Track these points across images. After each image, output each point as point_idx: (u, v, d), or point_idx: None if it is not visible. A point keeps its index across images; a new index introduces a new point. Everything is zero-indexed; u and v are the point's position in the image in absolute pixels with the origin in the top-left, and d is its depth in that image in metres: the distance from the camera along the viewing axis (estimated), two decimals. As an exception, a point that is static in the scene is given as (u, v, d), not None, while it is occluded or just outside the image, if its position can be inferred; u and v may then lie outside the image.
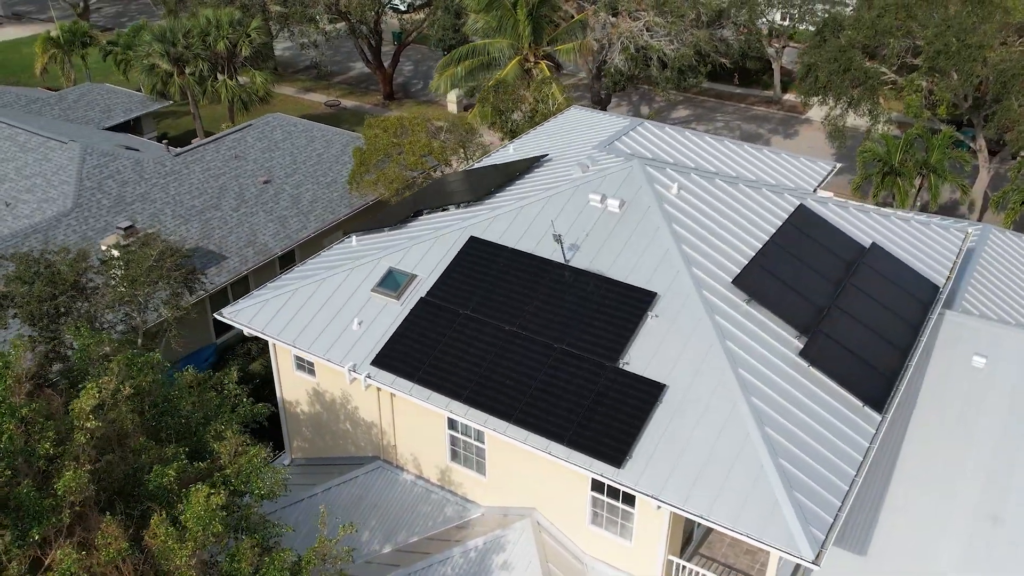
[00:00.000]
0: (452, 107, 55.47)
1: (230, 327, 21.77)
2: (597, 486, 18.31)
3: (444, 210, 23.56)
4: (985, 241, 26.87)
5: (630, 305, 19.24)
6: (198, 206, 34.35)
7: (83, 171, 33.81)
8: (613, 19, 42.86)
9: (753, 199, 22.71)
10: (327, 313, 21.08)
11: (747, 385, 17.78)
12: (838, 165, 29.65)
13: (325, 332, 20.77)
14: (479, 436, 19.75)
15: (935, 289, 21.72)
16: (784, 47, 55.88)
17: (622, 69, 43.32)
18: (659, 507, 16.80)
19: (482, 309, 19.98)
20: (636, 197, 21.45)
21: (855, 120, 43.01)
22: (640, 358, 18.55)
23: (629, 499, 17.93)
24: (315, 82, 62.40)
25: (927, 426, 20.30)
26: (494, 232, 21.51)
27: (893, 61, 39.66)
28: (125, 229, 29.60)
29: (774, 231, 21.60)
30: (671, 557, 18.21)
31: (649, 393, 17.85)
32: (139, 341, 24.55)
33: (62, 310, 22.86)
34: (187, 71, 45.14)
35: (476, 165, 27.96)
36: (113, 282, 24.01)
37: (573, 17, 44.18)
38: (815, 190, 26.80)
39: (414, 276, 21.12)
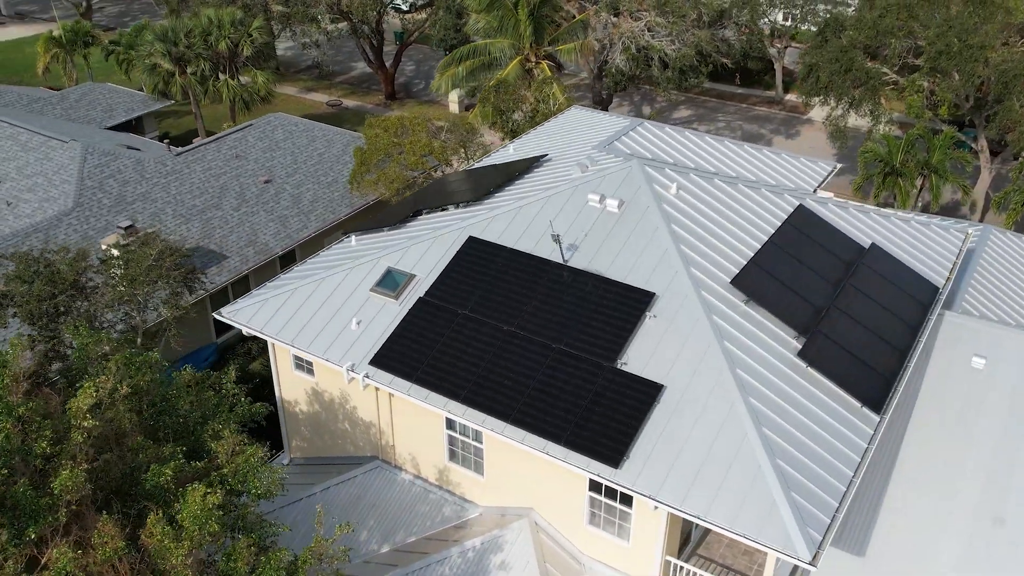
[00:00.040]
0: (454, 107, 55.48)
1: (231, 326, 21.78)
2: (595, 486, 18.31)
3: (443, 210, 23.56)
4: (986, 242, 26.83)
5: (628, 305, 19.23)
6: (199, 205, 34.39)
7: (84, 170, 33.86)
8: (614, 19, 42.83)
9: (752, 199, 22.69)
10: (326, 313, 21.09)
11: (745, 385, 17.76)
12: (838, 165, 29.62)
13: (324, 332, 20.78)
14: (477, 436, 19.75)
15: (935, 290, 21.69)
16: (786, 47, 55.82)
17: (623, 69, 43.30)
18: (656, 507, 16.79)
19: (480, 309, 19.98)
20: (635, 197, 21.44)
21: (856, 120, 42.96)
22: (638, 358, 18.54)
23: (627, 499, 17.92)
24: (317, 82, 62.43)
25: (926, 427, 20.27)
26: (493, 232, 21.51)
27: (895, 61, 39.61)
28: (126, 228, 29.64)
29: (773, 231, 21.58)
30: (669, 557, 18.20)
31: (647, 393, 17.84)
32: (139, 340, 24.57)
33: (61, 309, 22.89)
34: (189, 71, 45.18)
35: (476, 165, 27.96)
36: (113, 281, 24.03)
37: (575, 17, 44.17)
38: (815, 190, 26.77)
39: (413, 276, 21.12)
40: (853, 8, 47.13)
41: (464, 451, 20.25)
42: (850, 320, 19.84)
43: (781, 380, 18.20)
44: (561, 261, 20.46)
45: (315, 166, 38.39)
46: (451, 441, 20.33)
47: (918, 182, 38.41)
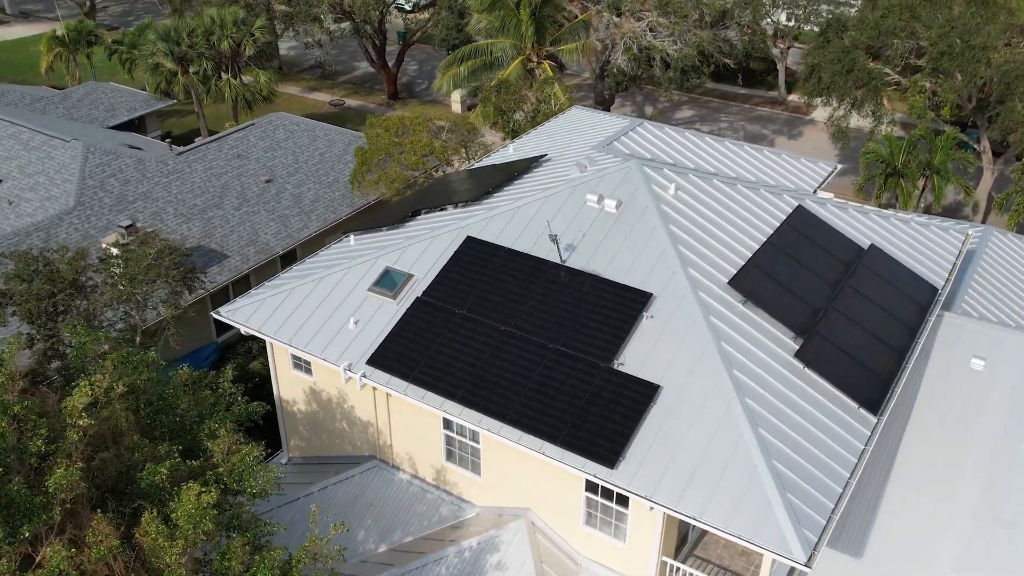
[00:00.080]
0: (456, 107, 55.51)
1: (231, 326, 21.82)
2: (591, 487, 18.29)
3: (442, 210, 23.57)
4: (986, 243, 26.77)
5: (625, 306, 19.21)
6: (200, 205, 34.43)
7: (86, 169, 33.93)
8: (616, 19, 42.81)
9: (751, 200, 22.66)
10: (324, 312, 21.10)
11: (741, 386, 17.73)
12: (839, 166, 29.57)
13: (321, 331, 20.79)
14: (474, 436, 19.75)
15: (934, 291, 21.64)
16: (789, 47, 55.74)
17: (625, 69, 43.27)
18: (652, 508, 16.77)
19: (478, 309, 19.97)
20: (633, 197, 21.42)
21: (859, 121, 42.90)
22: (635, 359, 18.52)
23: (623, 500, 17.91)
24: (320, 81, 62.49)
25: (925, 428, 20.23)
26: (491, 232, 21.50)
27: (897, 62, 39.55)
28: (126, 228, 29.68)
29: (772, 232, 21.54)
30: (665, 558, 18.18)
31: (643, 394, 17.82)
32: (137, 339, 24.60)
33: (60, 308, 22.94)
34: (191, 70, 45.25)
35: (476, 165, 27.97)
36: (112, 280, 24.07)
37: (577, 17, 44.16)
38: (815, 191, 26.72)
39: (411, 276, 21.12)
40: (856, 8, 47.04)
41: (461, 451, 20.25)
42: (848, 321, 19.80)
43: (778, 381, 18.17)
44: (559, 261, 20.45)
45: (316, 166, 38.43)
46: (448, 441, 20.33)
47: (920, 183, 38.34)
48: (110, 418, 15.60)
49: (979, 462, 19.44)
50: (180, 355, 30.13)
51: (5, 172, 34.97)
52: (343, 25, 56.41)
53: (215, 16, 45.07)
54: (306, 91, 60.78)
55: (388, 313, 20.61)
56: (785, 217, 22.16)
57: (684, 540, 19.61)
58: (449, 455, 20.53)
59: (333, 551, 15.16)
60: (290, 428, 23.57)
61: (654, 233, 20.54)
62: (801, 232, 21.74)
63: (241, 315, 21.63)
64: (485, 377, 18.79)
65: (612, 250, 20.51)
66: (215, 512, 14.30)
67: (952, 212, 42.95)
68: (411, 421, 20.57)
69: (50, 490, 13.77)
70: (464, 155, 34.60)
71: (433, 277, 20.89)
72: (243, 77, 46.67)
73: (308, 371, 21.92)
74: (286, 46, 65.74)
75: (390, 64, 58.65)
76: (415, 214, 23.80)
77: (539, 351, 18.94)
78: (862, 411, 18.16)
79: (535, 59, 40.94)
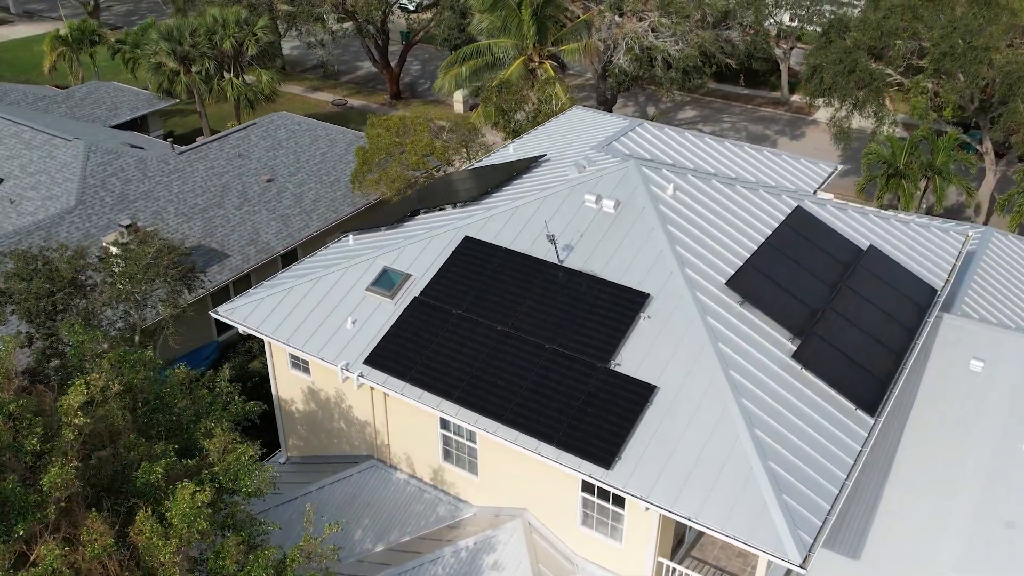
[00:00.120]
0: (459, 107, 55.52)
1: (231, 325, 21.86)
2: (587, 487, 18.28)
3: (441, 210, 23.57)
4: (987, 244, 26.70)
5: (623, 306, 19.19)
6: (201, 204, 34.46)
7: (87, 168, 33.97)
8: (619, 19, 42.78)
9: (750, 200, 22.62)
10: (321, 312, 21.12)
11: (738, 387, 17.71)
12: (839, 167, 29.50)
13: (319, 331, 20.81)
14: (471, 436, 19.74)
15: (933, 292, 21.60)
16: (792, 48, 55.64)
17: (627, 70, 43.24)
18: (648, 509, 16.76)
19: (475, 309, 19.97)
20: (631, 198, 21.40)
21: (861, 122, 42.82)
22: (632, 359, 18.50)
23: (619, 500, 17.89)
24: (323, 81, 62.52)
25: (924, 429, 20.19)
26: (489, 232, 21.50)
27: (899, 63, 39.46)
28: (127, 227, 29.71)
29: (771, 233, 21.50)
30: (661, 559, 18.16)
31: (639, 394, 17.80)
32: (136, 339, 24.63)
33: (59, 307, 22.97)
34: (193, 70, 45.28)
35: (475, 165, 27.96)
36: (110, 279, 24.10)
37: (579, 17, 44.14)
38: (815, 192, 26.66)
39: (408, 275, 21.13)
40: (859, 9, 46.94)
41: (458, 451, 20.25)
42: (846, 322, 19.76)
43: (775, 382, 18.15)
44: (556, 261, 20.43)
45: (318, 165, 38.44)
46: (445, 441, 20.33)
47: (922, 184, 38.24)
48: (106, 417, 15.63)
49: (978, 463, 19.39)
50: (181, 354, 30.17)
51: (7, 171, 35.04)
52: (346, 25, 56.44)
53: (217, 16, 45.09)
54: (309, 91, 60.82)
55: (386, 313, 20.62)
56: (784, 218, 22.12)
57: (681, 541, 19.59)
58: (446, 455, 20.53)
59: (328, 550, 15.17)
60: (288, 427, 23.59)
61: (652, 233, 20.52)
62: (800, 233, 21.71)
63: (239, 314, 21.66)
64: (482, 377, 18.79)
65: (610, 250, 20.49)
66: (209, 511, 14.30)
67: (954, 213, 42.85)
68: (408, 421, 20.57)
69: (45, 489, 13.78)
70: (465, 155, 34.60)
71: (431, 277, 20.89)
72: (245, 77, 46.70)
73: (306, 370, 21.94)
74: (289, 46, 65.80)
75: (393, 64, 58.67)
76: (414, 214, 23.81)
77: (536, 351, 18.93)
78: (859, 412, 18.13)
79: (537, 59, 40.93)
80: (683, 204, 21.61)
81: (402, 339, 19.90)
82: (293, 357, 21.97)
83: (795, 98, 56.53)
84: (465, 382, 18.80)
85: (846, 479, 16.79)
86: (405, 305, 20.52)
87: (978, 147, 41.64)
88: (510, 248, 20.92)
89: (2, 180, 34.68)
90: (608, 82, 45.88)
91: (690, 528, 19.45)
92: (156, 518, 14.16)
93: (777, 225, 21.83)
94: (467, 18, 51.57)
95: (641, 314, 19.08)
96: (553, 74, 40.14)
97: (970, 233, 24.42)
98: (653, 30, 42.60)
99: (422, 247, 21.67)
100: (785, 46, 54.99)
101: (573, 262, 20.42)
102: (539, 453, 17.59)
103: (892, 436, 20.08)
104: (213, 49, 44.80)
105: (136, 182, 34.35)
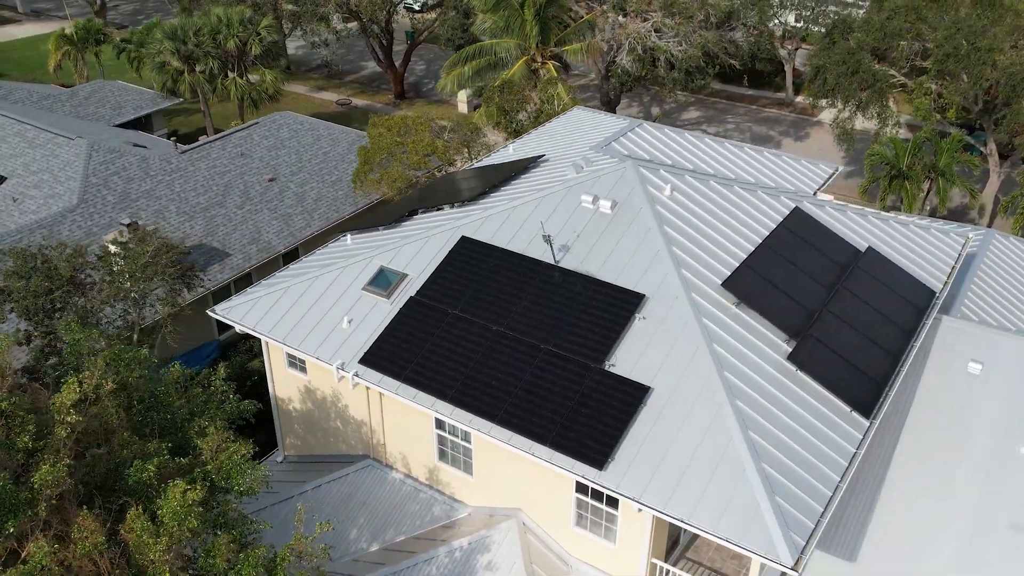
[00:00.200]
0: (463, 107, 55.50)
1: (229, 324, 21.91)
2: (581, 488, 18.26)
3: (439, 209, 23.57)
4: (987, 246, 26.58)
5: (618, 307, 19.17)
6: (203, 203, 34.53)
7: (89, 167, 34.07)
8: (622, 20, 42.72)
9: (748, 201, 22.56)
10: (318, 311, 21.14)
11: (732, 388, 17.66)
12: (840, 168, 29.41)
13: (315, 330, 20.83)
14: (466, 436, 19.74)
15: (931, 294, 21.50)
16: (797, 49, 55.48)
17: (629, 70, 43.18)
18: (640, 510, 16.72)
19: (470, 309, 19.96)
20: (628, 198, 21.36)
21: (865, 123, 42.67)
22: (626, 360, 18.47)
23: (613, 501, 17.87)
24: (327, 80, 62.58)
25: (921, 432, 20.11)
26: (486, 232, 21.49)
27: (902, 64, 39.31)
28: (128, 226, 29.75)
29: (768, 234, 21.44)
30: (655, 560, 18.12)
31: (633, 395, 17.77)
32: (135, 337, 24.69)
33: (58, 305, 23.05)
34: (197, 69, 45.40)
35: (475, 165, 27.96)
36: (109, 278, 24.17)
37: (582, 17, 44.10)
38: (815, 193, 26.58)
39: (405, 275, 21.13)
40: (864, 10, 46.78)
41: (453, 451, 20.25)
42: (843, 324, 19.70)
43: (770, 383, 18.09)
44: (552, 262, 20.41)
45: (320, 165, 38.49)
46: (441, 441, 20.33)
47: (925, 186, 38.09)
48: (100, 415, 15.66)
49: (976, 466, 19.31)
50: (181, 353, 30.23)
51: (10, 169, 35.17)
52: (350, 25, 56.48)
53: (221, 15, 45.19)
54: (313, 90, 60.88)
55: (382, 312, 20.63)
56: (782, 219, 22.04)
57: (676, 542, 19.55)
58: (442, 455, 20.53)
59: (319, 549, 15.17)
60: (285, 426, 23.61)
61: (648, 234, 20.49)
62: (797, 234, 21.64)
63: (236, 313, 21.70)
64: (477, 377, 18.79)
65: (606, 251, 20.47)
66: (200, 509, 14.33)
67: (958, 215, 42.67)
68: (404, 420, 20.58)
69: (36, 486, 13.82)
70: (467, 155, 34.60)
71: (427, 277, 20.89)
72: (249, 76, 46.80)
73: (303, 370, 21.96)
74: (294, 45, 65.90)
75: (397, 64, 58.71)
76: (412, 213, 23.81)
77: (531, 351, 18.92)
78: (854, 414, 18.07)
79: (539, 59, 40.89)
80: (680, 205, 21.56)
81: (397, 339, 19.90)
82: (290, 356, 21.99)
83: (800, 99, 56.37)
84: (460, 382, 18.80)
85: (840, 481, 16.73)
86: (401, 305, 20.53)
87: (982, 149, 41.46)
88: (506, 248, 20.91)
89: (5, 179, 34.81)
90: (611, 82, 45.81)
91: (684, 530, 19.40)
92: (147, 516, 14.19)
93: (775, 226, 21.75)
94: (470, 18, 51.58)
95: (636, 315, 19.05)
96: (556, 74, 40.11)
97: (970, 235, 24.31)
98: (656, 30, 42.53)
99: (419, 247, 21.68)
100: (790, 47, 54.83)
101: (569, 262, 20.40)
102: (532, 454, 17.58)
103: (890, 438, 20.00)
104: (217, 48, 44.92)
105: (138, 181, 34.44)
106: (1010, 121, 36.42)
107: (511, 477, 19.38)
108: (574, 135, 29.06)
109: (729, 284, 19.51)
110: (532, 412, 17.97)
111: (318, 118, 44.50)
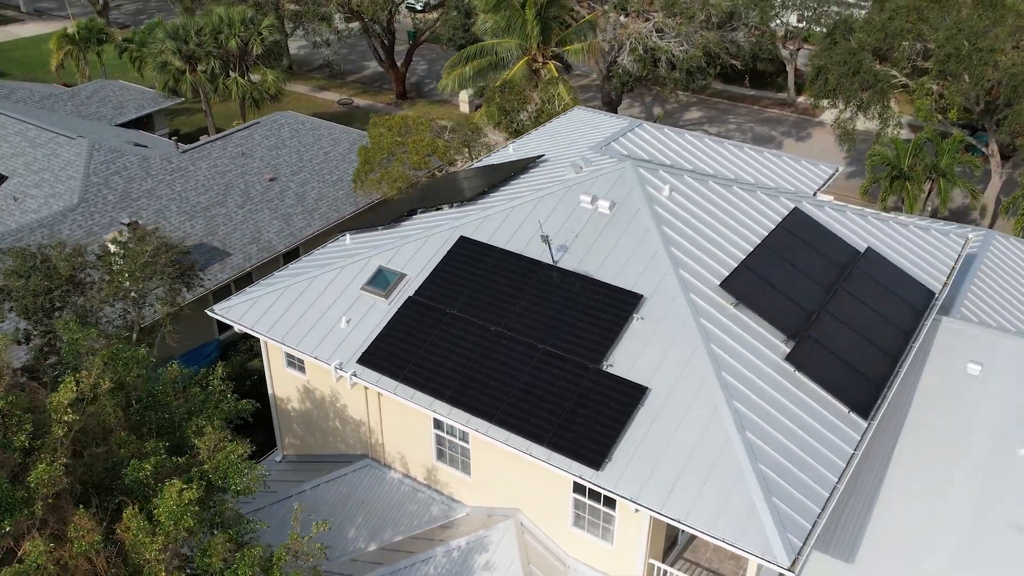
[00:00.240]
0: (464, 107, 55.50)
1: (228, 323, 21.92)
2: (579, 488, 18.25)
3: (437, 209, 23.57)
4: (987, 247, 26.54)
5: (616, 307, 19.15)
6: (203, 203, 34.56)
7: (90, 167, 34.11)
8: (623, 20, 42.69)
9: (747, 202, 22.54)
10: (317, 310, 21.14)
11: (730, 389, 17.64)
12: (840, 168, 29.36)
13: (314, 329, 20.84)
14: (464, 436, 19.74)
15: (930, 295, 21.47)
16: (799, 49, 55.43)
17: (630, 70, 43.15)
18: (637, 510, 16.71)
19: (468, 309, 19.96)
20: (627, 198, 21.35)
21: (866, 123, 42.62)
22: (624, 360, 18.46)
23: (610, 502, 17.86)
24: (329, 80, 62.62)
25: (920, 432, 20.09)
26: (484, 232, 21.49)
27: (904, 64, 39.26)
28: (128, 225, 29.79)
29: (767, 234, 21.41)
30: (652, 560, 18.11)
31: (631, 396, 17.75)
32: (134, 337, 24.71)
33: (57, 304, 23.07)
34: (199, 68, 45.44)
35: (474, 165, 27.96)
36: (108, 277, 24.19)
37: (583, 17, 44.08)
38: (815, 193, 26.55)
39: (403, 275, 21.13)
40: (865, 10, 46.72)
41: (451, 451, 20.25)
42: (841, 325, 19.67)
43: (768, 384, 18.07)
44: (551, 262, 20.40)
45: (320, 164, 38.52)
46: (439, 441, 20.33)
47: (926, 186, 38.05)
48: (98, 414, 15.67)
49: (975, 467, 19.28)
50: (181, 353, 30.25)
51: (11, 169, 35.22)
52: (352, 24, 56.49)
53: (223, 15, 45.22)
54: (315, 90, 60.92)
55: (380, 312, 20.63)
56: (781, 219, 22.02)
57: (674, 542, 19.54)
58: (440, 455, 20.53)
59: (315, 549, 15.17)
60: (284, 426, 23.63)
61: (647, 234, 20.47)
62: (796, 235, 21.61)
63: (235, 313, 21.71)
64: (474, 377, 18.78)
65: (605, 251, 20.45)
66: (196, 509, 14.34)
67: (959, 216, 42.61)
68: (402, 420, 20.58)
69: (32, 485, 13.84)
70: (467, 155, 34.59)
71: (426, 276, 20.89)
72: (251, 76, 46.83)
73: (301, 369, 21.97)
74: (296, 45, 65.95)
75: (399, 64, 58.72)
76: (411, 213, 23.82)
77: (528, 352, 18.91)
78: (853, 415, 18.04)
79: (540, 59, 40.87)
80: (679, 205, 21.54)
81: (395, 339, 19.90)
82: (288, 356, 22.00)
83: (802, 99, 56.33)
84: (457, 382, 18.80)
85: (837, 483, 16.71)
86: (399, 304, 20.53)
87: (983, 149, 41.40)
88: (505, 248, 20.90)
89: (6, 178, 34.86)
90: (612, 83, 45.79)
91: (682, 530, 19.39)
92: (144, 515, 14.20)
93: (774, 227, 21.72)
94: (472, 18, 51.57)
95: (634, 315, 19.03)
96: (556, 74, 40.09)
97: (970, 236, 24.26)
98: (658, 31, 42.50)
99: (417, 247, 21.68)
100: (792, 47, 54.78)
101: (567, 262, 20.39)
102: (530, 454, 17.57)
103: (889, 439, 19.98)
104: (219, 48, 44.94)
105: (139, 180, 34.47)
106: (1012, 122, 36.36)
107: (509, 477, 19.37)
108: (574, 135, 29.05)
109: (727, 284, 19.49)
110: (530, 412, 17.97)
111: (320, 118, 44.54)
